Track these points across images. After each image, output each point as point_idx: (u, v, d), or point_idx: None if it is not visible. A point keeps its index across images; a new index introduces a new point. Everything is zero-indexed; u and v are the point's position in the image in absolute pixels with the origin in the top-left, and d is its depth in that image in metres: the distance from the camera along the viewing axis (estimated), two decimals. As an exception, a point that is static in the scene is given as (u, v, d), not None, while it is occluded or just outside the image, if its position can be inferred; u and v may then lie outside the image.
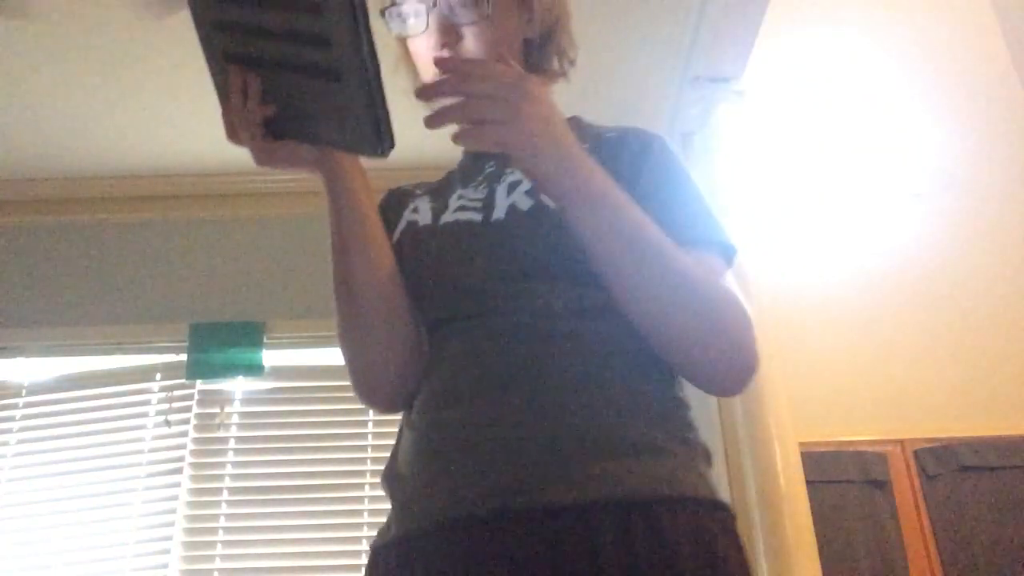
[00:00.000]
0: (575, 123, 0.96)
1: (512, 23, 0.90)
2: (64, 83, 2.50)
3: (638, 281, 0.74)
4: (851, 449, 2.69)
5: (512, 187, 0.86)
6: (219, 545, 2.57)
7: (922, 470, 2.70)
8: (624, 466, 0.69)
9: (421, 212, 0.93)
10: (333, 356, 2.84)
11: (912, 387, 2.83)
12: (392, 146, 0.73)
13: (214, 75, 0.76)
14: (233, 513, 2.61)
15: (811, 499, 1.94)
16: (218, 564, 2.55)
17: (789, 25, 3.15)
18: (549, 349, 0.76)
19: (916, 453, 2.72)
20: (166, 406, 2.73)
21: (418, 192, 1.03)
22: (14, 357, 2.82)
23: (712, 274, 0.79)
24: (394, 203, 1.02)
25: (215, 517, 2.61)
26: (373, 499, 2.63)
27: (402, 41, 0.92)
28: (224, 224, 2.99)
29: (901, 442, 2.74)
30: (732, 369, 0.77)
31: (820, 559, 1.88)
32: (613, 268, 0.74)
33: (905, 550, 2.59)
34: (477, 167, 0.96)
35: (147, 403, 2.75)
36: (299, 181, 3.01)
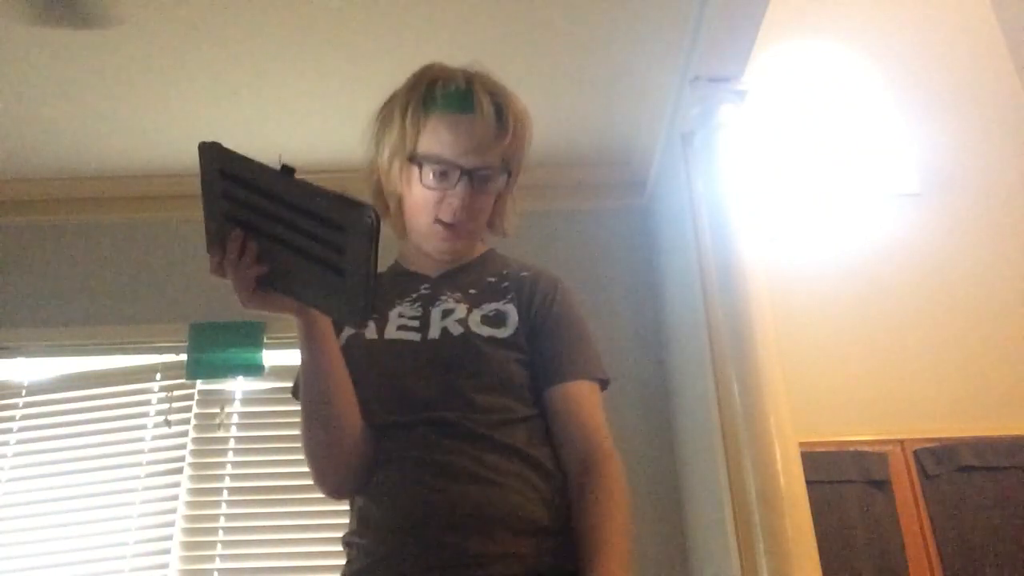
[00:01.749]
0: (491, 256, 1.18)
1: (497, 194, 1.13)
2: (64, 83, 2.50)
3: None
4: (851, 449, 2.68)
5: (445, 314, 1.05)
6: (219, 545, 2.58)
7: (922, 470, 2.70)
8: (528, 545, 0.92)
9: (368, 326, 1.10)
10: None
11: (912, 387, 2.83)
12: (369, 319, 0.90)
13: (211, 224, 0.82)
14: (233, 513, 2.62)
15: (811, 499, 1.93)
16: (218, 564, 2.55)
17: (790, 25, 3.15)
18: (471, 451, 0.95)
19: (916, 453, 2.72)
20: (166, 406, 2.73)
21: None
22: (14, 357, 2.83)
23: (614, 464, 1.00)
24: None
25: (215, 517, 2.61)
26: (373, 499, 2.63)
27: (411, 186, 1.07)
28: (224, 224, 2.99)
29: (901, 442, 2.73)
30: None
31: (820, 559, 1.88)
32: None
33: (905, 550, 2.59)
34: (412, 285, 1.12)
35: (147, 403, 2.75)
36: (299, 181, 3.02)
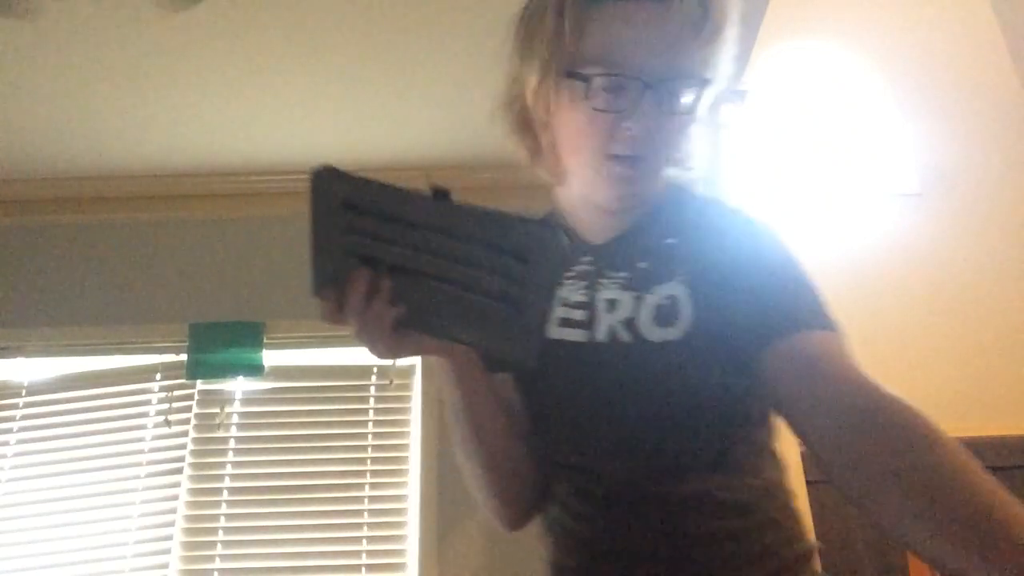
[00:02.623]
0: (674, 203, 0.89)
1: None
2: (64, 83, 2.50)
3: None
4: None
5: (611, 305, 0.84)
6: (219, 545, 2.58)
7: (922, 470, 2.70)
8: None
9: None
10: (333, 356, 2.84)
11: (912, 387, 2.82)
12: (536, 357, 0.71)
13: (325, 262, 0.70)
14: (233, 513, 2.62)
15: (811, 499, 1.93)
16: (218, 564, 2.55)
17: (789, 25, 3.15)
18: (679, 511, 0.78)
19: (916, 453, 2.72)
20: (166, 406, 2.73)
21: None
22: (14, 357, 2.82)
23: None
24: None
25: (215, 517, 2.61)
26: (373, 499, 2.63)
27: (566, 108, 0.80)
28: (224, 224, 2.99)
29: (901, 442, 2.74)
30: None
31: (820, 559, 1.88)
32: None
33: (905, 550, 2.59)
34: (573, 255, 0.89)
35: (147, 403, 2.75)
36: (299, 181, 3.02)
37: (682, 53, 0.74)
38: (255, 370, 2.76)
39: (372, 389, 2.77)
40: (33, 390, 2.78)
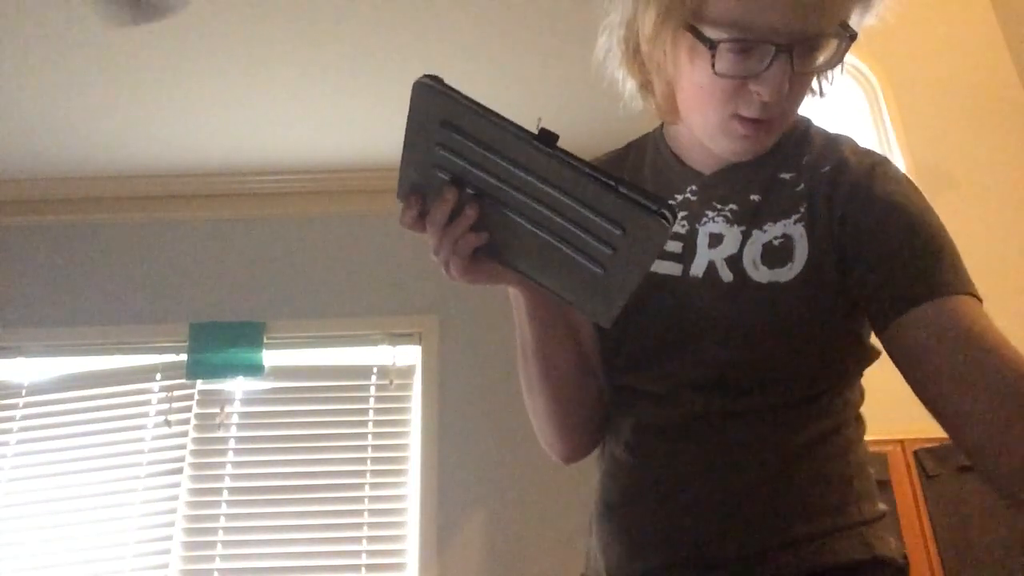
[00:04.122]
0: (793, 134, 0.83)
1: None
2: (64, 83, 2.50)
3: None
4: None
5: (714, 240, 0.78)
6: (219, 545, 2.58)
7: (922, 470, 2.70)
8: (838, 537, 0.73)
9: None
10: (333, 356, 2.84)
11: (912, 387, 2.83)
12: (614, 321, 0.69)
13: (410, 170, 0.67)
14: (233, 513, 2.62)
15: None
16: (218, 564, 2.55)
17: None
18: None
19: (916, 453, 2.72)
20: (166, 406, 2.73)
21: None
22: (14, 357, 2.82)
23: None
24: None
25: (215, 517, 2.61)
26: (373, 499, 2.63)
27: (697, 74, 0.73)
28: (224, 224, 2.99)
29: (901, 442, 2.73)
30: None
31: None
32: None
33: (905, 550, 2.59)
34: (677, 183, 0.84)
35: (147, 403, 2.75)
36: (299, 181, 3.02)
37: (823, 9, 0.67)
38: (255, 370, 2.76)
39: (372, 389, 2.77)
40: (33, 390, 2.78)
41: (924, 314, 0.68)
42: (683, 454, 0.76)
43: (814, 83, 0.77)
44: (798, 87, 0.72)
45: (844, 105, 3.28)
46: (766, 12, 0.66)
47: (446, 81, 0.62)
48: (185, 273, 2.92)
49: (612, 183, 0.58)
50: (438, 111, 0.61)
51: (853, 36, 0.71)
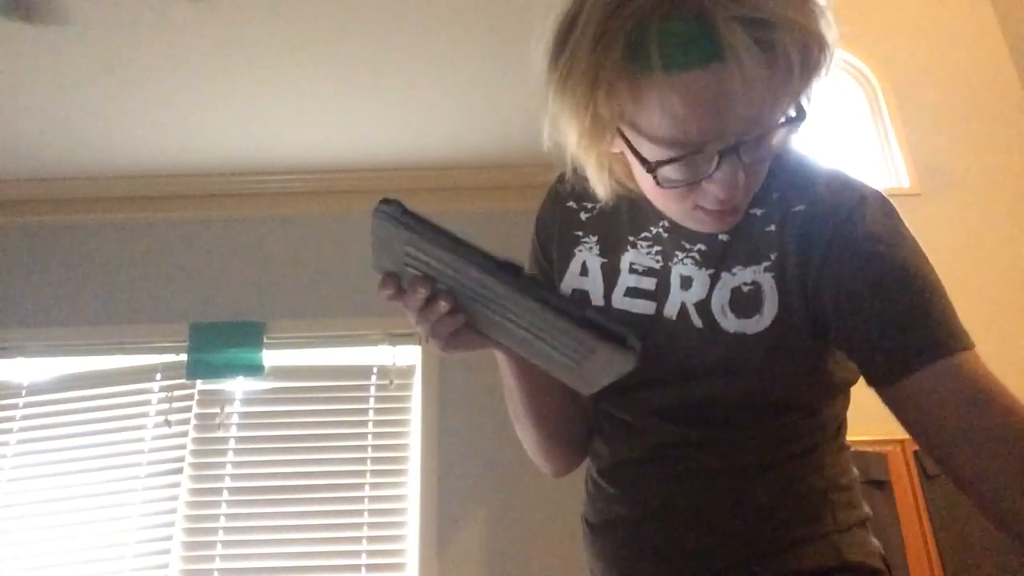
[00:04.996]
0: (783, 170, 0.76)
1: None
2: (64, 83, 2.50)
3: None
4: (851, 449, 2.69)
5: (685, 283, 0.77)
6: (219, 545, 2.58)
7: (922, 470, 2.70)
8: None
9: (591, 276, 0.84)
10: (333, 356, 2.84)
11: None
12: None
13: (383, 260, 0.67)
14: (233, 513, 2.62)
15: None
16: (218, 564, 2.55)
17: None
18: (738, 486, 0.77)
19: (916, 453, 2.72)
20: (166, 406, 2.73)
21: (583, 217, 0.88)
22: (14, 357, 2.82)
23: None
24: (557, 237, 0.90)
25: (215, 517, 2.61)
26: (373, 499, 2.63)
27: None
28: (224, 224, 3.00)
29: (901, 442, 2.73)
30: None
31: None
32: None
33: (905, 550, 2.59)
34: (651, 218, 0.81)
35: (147, 403, 2.75)
36: (299, 182, 3.02)
37: (760, 104, 0.62)
38: (255, 370, 2.76)
39: (372, 389, 2.77)
40: (33, 390, 2.78)
41: (923, 379, 0.67)
42: (653, 481, 0.80)
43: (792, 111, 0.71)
44: (757, 169, 0.69)
45: (844, 105, 3.28)
46: (698, 123, 0.62)
47: (407, 206, 0.61)
48: (185, 273, 2.92)
49: (578, 316, 0.59)
50: (401, 238, 0.62)
51: (803, 118, 0.65)
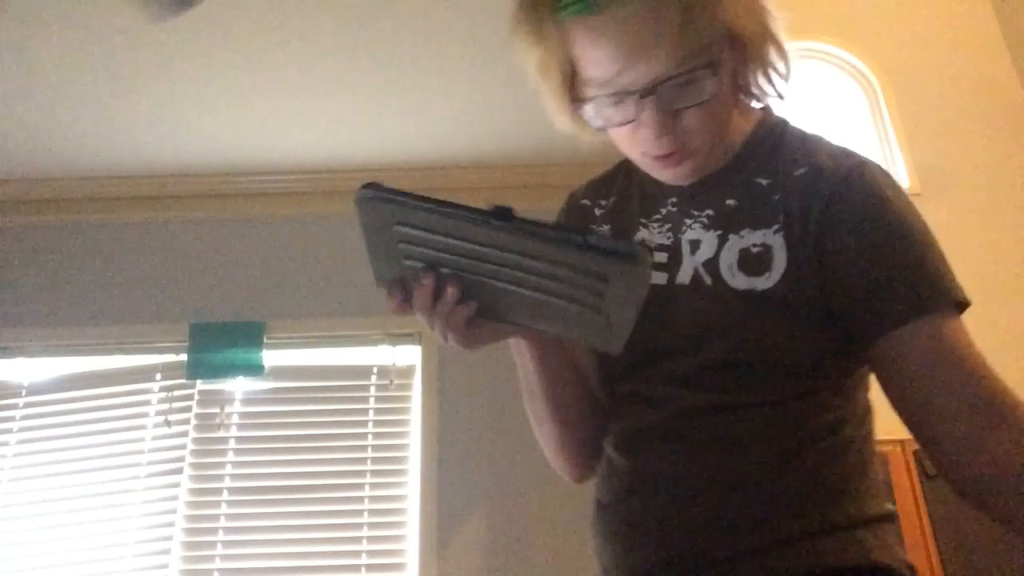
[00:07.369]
0: (766, 138, 0.84)
1: (728, 82, 0.76)
2: (64, 83, 2.50)
3: None
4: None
5: (694, 246, 0.80)
6: (219, 545, 2.58)
7: (922, 470, 2.70)
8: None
9: None
10: (333, 356, 2.84)
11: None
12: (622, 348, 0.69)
13: (383, 267, 0.68)
14: (233, 513, 2.62)
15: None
16: (218, 564, 2.55)
17: (789, 25, 3.14)
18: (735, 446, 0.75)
19: (916, 453, 2.72)
20: (166, 406, 2.73)
21: (597, 212, 0.94)
22: (14, 357, 2.82)
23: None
24: (576, 220, 0.95)
25: (215, 517, 2.61)
26: (373, 499, 2.63)
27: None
28: (224, 224, 2.99)
29: (901, 442, 2.73)
30: None
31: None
32: None
33: (905, 550, 2.59)
34: (659, 199, 0.86)
35: (147, 403, 2.75)
36: (299, 182, 3.02)
37: (658, 54, 0.68)
38: (255, 370, 2.76)
39: (372, 389, 2.77)
40: (33, 390, 2.78)
41: (904, 337, 0.71)
42: (674, 451, 0.77)
43: (765, 87, 0.83)
44: (695, 119, 0.73)
45: (844, 105, 3.28)
46: (606, 66, 0.70)
47: (386, 184, 0.62)
48: (185, 273, 2.92)
49: (578, 240, 0.59)
50: (388, 216, 0.62)
51: (712, 66, 0.71)
